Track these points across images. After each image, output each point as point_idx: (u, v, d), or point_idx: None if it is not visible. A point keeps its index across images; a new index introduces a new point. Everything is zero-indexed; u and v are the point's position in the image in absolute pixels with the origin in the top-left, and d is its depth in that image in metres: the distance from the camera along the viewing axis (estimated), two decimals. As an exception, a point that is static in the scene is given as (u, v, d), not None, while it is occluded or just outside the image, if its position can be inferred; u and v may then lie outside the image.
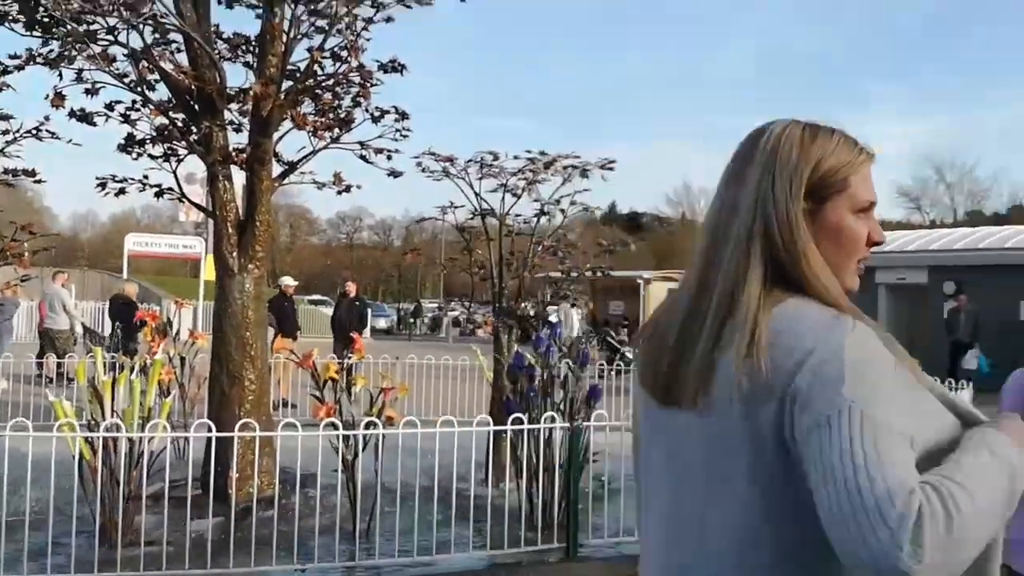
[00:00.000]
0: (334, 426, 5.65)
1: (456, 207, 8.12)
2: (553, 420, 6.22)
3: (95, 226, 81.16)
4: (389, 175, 7.57)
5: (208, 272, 28.77)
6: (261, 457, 7.18)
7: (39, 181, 6.47)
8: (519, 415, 6.25)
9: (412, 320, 38.34)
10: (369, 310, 37.68)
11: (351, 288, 15.38)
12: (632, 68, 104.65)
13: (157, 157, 7.66)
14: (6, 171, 6.27)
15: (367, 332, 33.20)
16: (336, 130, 7.17)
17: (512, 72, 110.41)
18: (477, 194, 7.95)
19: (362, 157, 7.20)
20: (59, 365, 12.68)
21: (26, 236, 6.27)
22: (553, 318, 19.90)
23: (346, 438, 5.85)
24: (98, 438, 5.51)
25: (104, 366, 5.75)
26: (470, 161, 7.86)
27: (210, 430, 6.63)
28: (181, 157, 7.73)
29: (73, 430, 5.31)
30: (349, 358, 7.94)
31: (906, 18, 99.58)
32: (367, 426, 5.76)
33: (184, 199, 7.64)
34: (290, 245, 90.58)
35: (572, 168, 7.92)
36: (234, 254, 7.20)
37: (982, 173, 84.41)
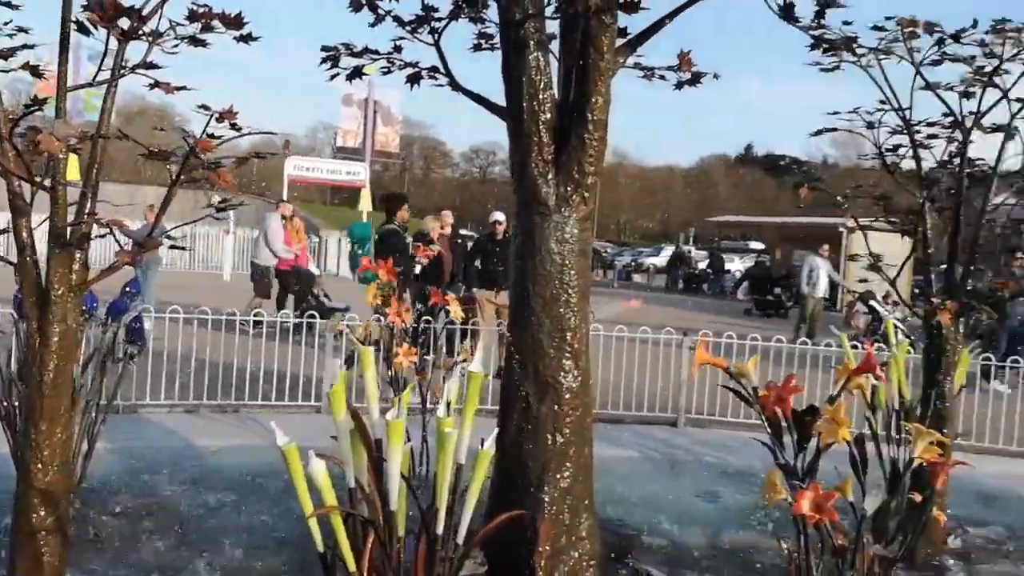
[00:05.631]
0: None
1: (881, 110, 4.95)
2: None
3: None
4: (815, 47, 4.47)
5: (363, 202, 26.55)
6: (578, 513, 4.37)
7: (244, 37, 3.66)
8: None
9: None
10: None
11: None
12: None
13: (408, 23, 4.81)
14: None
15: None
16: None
17: None
18: (931, 86, 4.76)
19: (786, 10, 4.08)
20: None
21: (228, 130, 3.49)
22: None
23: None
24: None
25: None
26: (909, 31, 4.66)
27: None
28: (440, 25, 4.86)
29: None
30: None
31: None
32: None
33: (456, 86, 4.72)
34: (423, 178, 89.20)
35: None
36: (549, 176, 4.28)
37: None
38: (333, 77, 4.78)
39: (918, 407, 5.16)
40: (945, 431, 4.96)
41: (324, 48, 4.68)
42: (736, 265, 34.35)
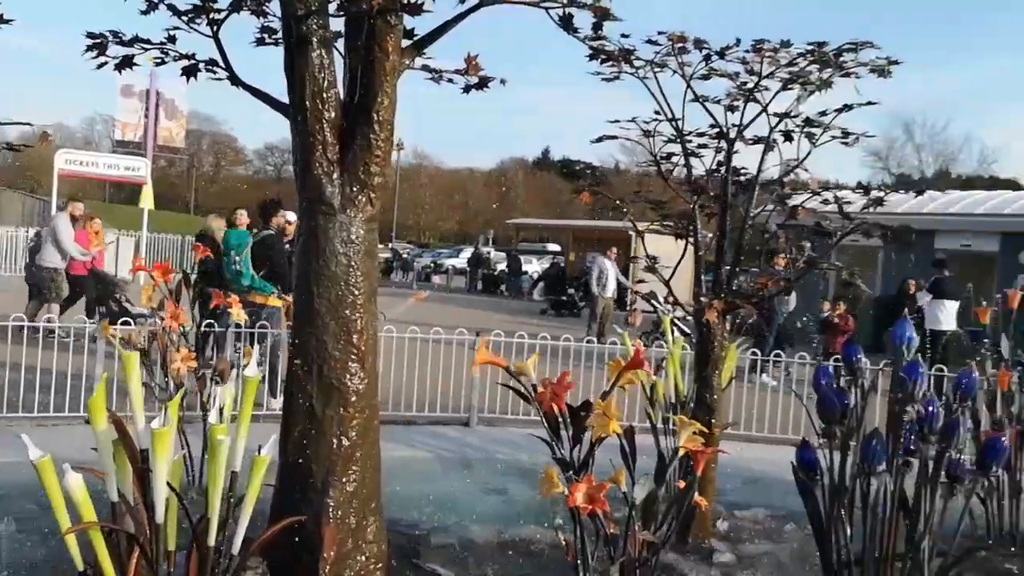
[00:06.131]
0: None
1: (656, 120, 5.23)
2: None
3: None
4: (593, 57, 4.64)
5: (144, 199, 25.05)
6: (364, 516, 4.33)
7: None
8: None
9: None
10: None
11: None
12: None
13: (184, 13, 4.58)
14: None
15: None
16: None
17: None
18: (700, 99, 5.07)
19: (565, 21, 4.22)
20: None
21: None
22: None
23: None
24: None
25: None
26: (680, 46, 4.96)
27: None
28: (219, 16, 4.66)
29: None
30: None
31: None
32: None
33: (236, 81, 4.55)
34: (213, 175, 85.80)
35: (830, 67, 5.12)
36: (334, 176, 4.22)
37: (952, 134, 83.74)
38: (100, 66, 4.48)
39: (693, 400, 5.48)
40: (713, 421, 5.30)
41: (89, 35, 4.38)
42: (534, 267, 35.20)
